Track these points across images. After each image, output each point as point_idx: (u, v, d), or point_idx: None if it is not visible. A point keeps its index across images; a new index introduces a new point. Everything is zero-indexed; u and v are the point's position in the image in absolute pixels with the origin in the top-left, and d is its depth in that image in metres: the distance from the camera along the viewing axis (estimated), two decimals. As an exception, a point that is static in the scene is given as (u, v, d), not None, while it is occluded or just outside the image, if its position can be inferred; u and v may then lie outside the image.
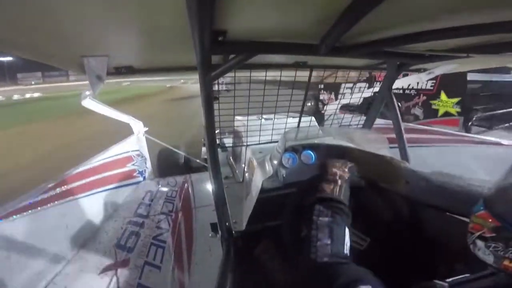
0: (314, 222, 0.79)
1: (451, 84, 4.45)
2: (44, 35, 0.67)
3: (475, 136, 2.25)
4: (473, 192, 0.83)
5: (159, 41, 0.82)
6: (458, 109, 4.48)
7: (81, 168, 1.91)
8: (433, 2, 0.56)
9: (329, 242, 0.75)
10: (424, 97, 4.95)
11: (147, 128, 2.78)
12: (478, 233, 0.62)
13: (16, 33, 0.63)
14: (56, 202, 1.59)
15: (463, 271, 0.68)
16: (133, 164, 2.52)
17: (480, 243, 0.61)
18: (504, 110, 4.30)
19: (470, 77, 4.26)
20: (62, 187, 1.67)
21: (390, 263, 1.01)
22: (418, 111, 5.04)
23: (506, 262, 0.55)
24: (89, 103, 1.81)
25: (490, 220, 0.60)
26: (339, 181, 0.97)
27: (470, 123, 4.34)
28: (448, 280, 0.68)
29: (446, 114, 4.60)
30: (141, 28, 0.70)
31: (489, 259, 0.59)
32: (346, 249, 0.77)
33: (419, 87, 4.87)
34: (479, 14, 0.57)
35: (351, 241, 1.19)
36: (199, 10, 0.51)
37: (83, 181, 1.88)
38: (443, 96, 4.64)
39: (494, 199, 0.63)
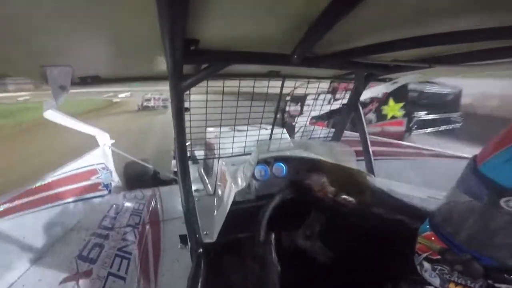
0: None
1: (397, 91, 5.19)
2: (2, 43, 0.64)
3: (439, 150, 2.41)
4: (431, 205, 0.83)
5: (127, 50, 0.80)
6: (403, 112, 5.39)
7: (44, 181, 1.84)
8: (398, 13, 0.57)
9: None
10: (376, 104, 5.82)
11: (113, 141, 2.73)
12: (424, 255, 0.61)
13: None
14: (13, 214, 1.51)
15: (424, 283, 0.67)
16: (98, 177, 2.44)
17: (426, 264, 0.60)
18: (436, 116, 5.51)
19: (410, 86, 5.13)
20: (22, 199, 1.60)
21: (355, 275, 1.07)
22: (372, 116, 5.91)
23: (451, 286, 0.55)
24: (52, 115, 1.73)
25: (436, 242, 0.59)
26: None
27: (411, 125, 5.30)
28: None
29: (393, 117, 5.51)
30: (109, 37, 0.67)
31: (435, 281, 0.58)
32: None
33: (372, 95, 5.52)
34: (442, 24, 0.60)
35: (316, 254, 1.25)
36: (171, 18, 0.50)
37: (45, 194, 1.79)
38: (391, 101, 5.55)
39: (439, 220, 0.61)
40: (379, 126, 5.62)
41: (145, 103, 16.30)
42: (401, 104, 5.39)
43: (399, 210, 1.08)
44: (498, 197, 0.48)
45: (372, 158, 1.53)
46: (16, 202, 1.54)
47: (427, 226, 0.63)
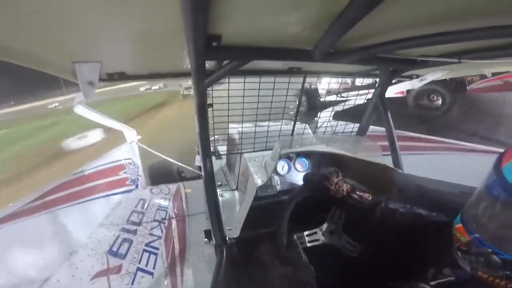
0: None
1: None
2: (35, 41, 0.66)
3: (467, 144, 2.28)
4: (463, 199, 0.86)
5: (152, 46, 0.81)
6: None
7: (73, 176, 1.91)
8: (426, 7, 0.56)
9: None
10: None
11: (140, 136, 2.79)
12: (457, 245, 0.66)
13: (4, 37, 0.61)
14: (46, 209, 1.58)
15: (449, 275, 0.71)
16: (125, 172, 2.51)
17: (459, 253, 0.65)
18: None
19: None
20: (53, 195, 1.67)
21: (381, 269, 1.04)
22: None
23: (479, 273, 0.59)
24: (82, 110, 1.80)
25: (464, 234, 0.64)
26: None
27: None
28: (432, 283, 0.72)
29: None
30: (135, 34, 0.69)
31: (467, 268, 0.62)
32: None
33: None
34: (471, 19, 0.59)
35: (344, 249, 1.22)
36: (193, 14, 0.50)
37: (74, 189, 1.87)
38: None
39: (467, 214, 0.66)
40: (499, 79, 4.87)
41: (185, 92, 15.81)
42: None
43: (428, 205, 1.06)
44: None
45: (399, 152, 1.47)
46: (48, 198, 1.61)
47: (459, 219, 0.68)
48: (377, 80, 1.51)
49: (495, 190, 0.56)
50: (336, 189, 1.18)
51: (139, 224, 1.93)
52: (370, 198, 1.16)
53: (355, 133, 1.75)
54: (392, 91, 1.72)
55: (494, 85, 4.86)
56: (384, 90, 1.46)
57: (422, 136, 2.63)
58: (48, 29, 0.60)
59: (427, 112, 5.45)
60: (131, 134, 2.69)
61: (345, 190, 1.20)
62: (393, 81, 1.49)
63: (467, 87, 5.14)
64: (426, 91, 5.29)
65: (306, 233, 1.26)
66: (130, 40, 0.75)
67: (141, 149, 2.79)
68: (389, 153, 1.49)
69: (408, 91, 5.16)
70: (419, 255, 0.99)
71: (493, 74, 4.63)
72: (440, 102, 5.31)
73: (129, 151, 2.65)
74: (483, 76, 4.83)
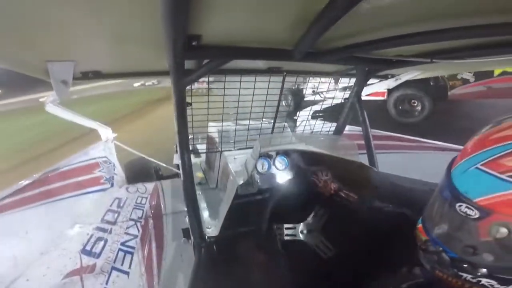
0: None
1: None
2: (7, 40, 0.64)
3: (441, 144, 2.40)
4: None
5: (129, 45, 0.80)
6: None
7: (45, 174, 1.83)
8: (402, 8, 0.57)
9: None
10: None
11: (116, 134, 2.71)
12: (419, 244, 0.68)
13: None
14: (16, 208, 1.52)
15: (419, 276, 0.73)
16: (100, 171, 2.43)
17: (421, 253, 0.67)
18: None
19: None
20: (23, 193, 1.60)
21: (357, 267, 1.08)
22: (468, 76, 4.99)
23: (437, 272, 0.62)
24: (53, 109, 1.75)
25: (423, 234, 0.67)
26: None
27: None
28: (404, 285, 0.74)
29: (505, 73, 4.60)
30: (110, 32, 0.68)
31: (428, 268, 0.65)
32: None
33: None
34: (445, 20, 0.60)
35: (318, 249, 1.26)
36: (173, 14, 0.49)
37: (46, 187, 1.79)
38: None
39: (426, 214, 0.69)
40: (482, 85, 4.85)
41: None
42: None
43: (402, 203, 1.09)
44: (455, 201, 0.54)
45: (374, 151, 1.52)
46: (18, 196, 1.54)
47: (420, 220, 0.71)
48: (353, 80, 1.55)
49: (444, 191, 0.59)
50: (324, 186, 1.22)
51: (114, 223, 1.89)
52: (356, 198, 1.20)
53: (332, 132, 1.79)
54: (368, 92, 1.79)
55: (477, 91, 4.87)
56: (360, 90, 1.50)
57: (397, 135, 2.72)
58: (19, 28, 0.58)
59: (407, 117, 5.50)
60: (106, 132, 2.61)
61: (332, 188, 1.24)
62: (368, 81, 1.55)
63: (449, 92, 5.12)
64: (406, 96, 5.36)
65: (285, 226, 1.28)
66: (104, 39, 0.73)
67: (121, 148, 2.71)
68: (365, 152, 1.53)
69: (388, 94, 5.40)
70: (393, 255, 1.02)
71: (476, 79, 4.77)
72: (420, 107, 5.38)
73: (105, 149, 2.57)
74: (465, 81, 4.89)
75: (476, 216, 0.51)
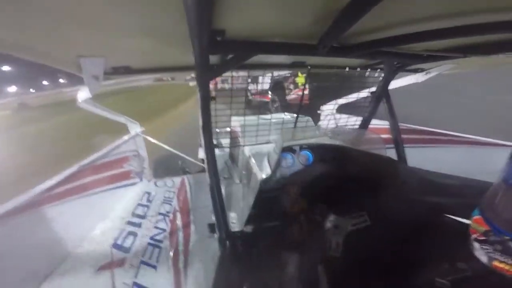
0: None
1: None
2: (40, 35, 0.67)
3: (473, 137, 2.24)
4: (469, 193, 0.84)
5: (156, 41, 0.81)
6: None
7: (77, 169, 1.90)
8: (429, 2, 0.56)
9: None
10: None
11: (143, 128, 2.77)
12: (474, 236, 0.67)
13: (12, 33, 0.62)
14: (51, 202, 1.58)
15: (465, 270, 0.71)
16: (130, 165, 2.51)
17: (476, 244, 0.66)
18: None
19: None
20: (58, 188, 1.66)
21: (390, 263, 1.02)
22: (291, 86, 7.00)
23: (496, 263, 0.61)
24: (85, 103, 1.79)
25: (482, 225, 0.66)
26: None
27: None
28: (449, 278, 0.72)
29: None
30: (139, 28, 0.69)
31: (484, 259, 0.64)
32: None
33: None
34: (476, 14, 0.58)
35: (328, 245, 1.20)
36: (198, 9, 0.50)
37: (79, 182, 1.86)
38: (299, 73, 6.57)
39: (485, 205, 0.68)
40: (295, 94, 6.55)
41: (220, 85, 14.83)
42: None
43: (432, 198, 1.06)
44: None
45: (403, 145, 1.45)
46: (52, 192, 1.60)
47: (477, 211, 0.69)
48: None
49: (511, 179, 0.59)
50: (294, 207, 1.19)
51: (143, 217, 1.94)
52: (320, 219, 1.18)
53: (358, 126, 1.72)
54: (397, 85, 1.68)
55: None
56: (387, 83, 1.44)
57: (426, 129, 2.59)
58: (53, 24, 0.60)
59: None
60: (134, 126, 2.67)
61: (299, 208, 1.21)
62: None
63: (286, 96, 6.67)
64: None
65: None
66: (134, 35, 0.75)
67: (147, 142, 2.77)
68: (393, 146, 1.46)
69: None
70: (430, 250, 0.98)
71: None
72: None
73: (134, 143, 2.64)
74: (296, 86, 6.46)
75: None
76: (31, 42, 0.71)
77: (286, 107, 6.18)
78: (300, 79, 6.67)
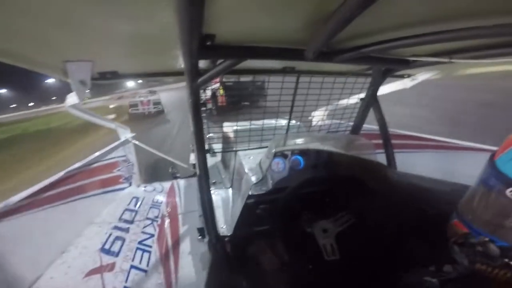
0: None
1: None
2: (26, 40, 0.66)
3: (460, 143, 2.31)
4: (455, 197, 0.85)
5: (145, 46, 0.81)
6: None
7: (64, 174, 1.88)
8: (417, 7, 0.57)
9: None
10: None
11: (134, 134, 2.76)
12: (453, 239, 0.68)
13: None
14: (38, 207, 1.56)
15: (452, 273, 0.71)
16: (119, 170, 2.49)
17: (456, 248, 0.67)
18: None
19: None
20: (45, 193, 1.64)
21: (378, 263, 1.05)
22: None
23: (478, 265, 0.61)
24: (74, 109, 1.78)
25: (461, 228, 0.68)
26: None
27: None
28: (433, 280, 0.71)
29: None
30: (127, 33, 0.69)
31: (465, 262, 0.65)
32: None
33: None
34: (461, 19, 0.60)
35: (324, 249, 1.23)
36: (188, 14, 0.50)
37: (67, 187, 1.84)
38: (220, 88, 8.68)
39: (462, 208, 0.70)
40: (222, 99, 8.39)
41: (131, 110, 12.45)
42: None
43: (419, 202, 1.09)
44: (505, 187, 0.57)
45: (392, 151, 1.48)
46: (40, 196, 1.58)
47: (455, 215, 0.72)
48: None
49: (490, 181, 0.62)
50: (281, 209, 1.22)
51: (131, 222, 1.92)
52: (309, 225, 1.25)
53: (348, 131, 1.75)
54: (385, 91, 1.73)
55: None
56: (376, 89, 1.47)
57: (414, 134, 2.66)
58: (39, 29, 0.59)
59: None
60: (124, 132, 2.66)
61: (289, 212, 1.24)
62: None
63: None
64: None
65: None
66: (121, 40, 0.74)
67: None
68: (383, 151, 1.50)
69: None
70: (419, 251, 1.00)
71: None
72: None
73: (124, 149, 2.63)
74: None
75: None
76: (16, 47, 0.70)
77: (218, 109, 8.47)
78: (221, 91, 8.53)
